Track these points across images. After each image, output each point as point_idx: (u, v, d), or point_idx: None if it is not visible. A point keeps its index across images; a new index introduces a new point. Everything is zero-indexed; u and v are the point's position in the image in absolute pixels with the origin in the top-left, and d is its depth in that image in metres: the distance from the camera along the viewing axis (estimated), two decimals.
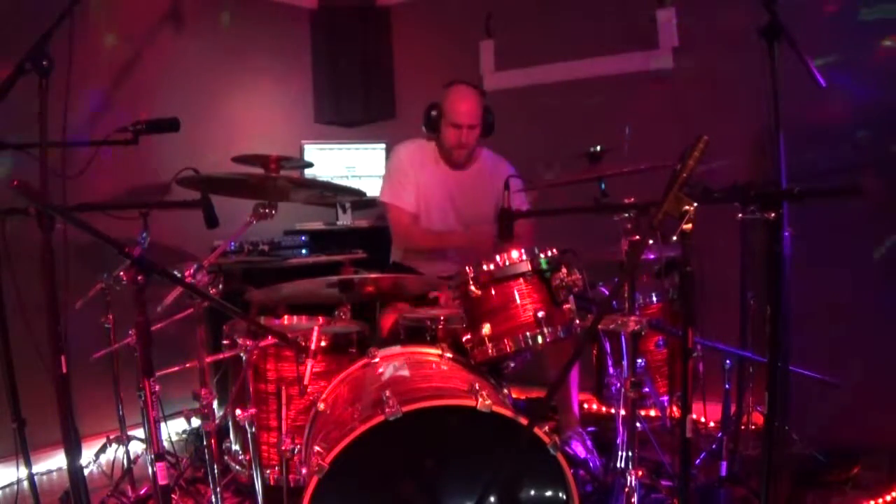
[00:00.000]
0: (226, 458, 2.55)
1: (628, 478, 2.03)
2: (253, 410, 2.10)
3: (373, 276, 2.38)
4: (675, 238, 1.58)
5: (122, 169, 3.29)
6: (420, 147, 3.21)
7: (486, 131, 3.13)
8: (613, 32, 3.71)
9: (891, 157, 2.91)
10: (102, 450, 2.91)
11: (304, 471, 1.85)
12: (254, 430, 2.11)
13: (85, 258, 2.72)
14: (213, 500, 2.05)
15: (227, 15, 3.97)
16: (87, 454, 2.86)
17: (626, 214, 2.15)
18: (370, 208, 4.09)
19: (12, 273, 2.25)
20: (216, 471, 2.05)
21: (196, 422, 2.03)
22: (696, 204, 1.55)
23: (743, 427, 2.78)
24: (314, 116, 4.44)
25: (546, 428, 1.75)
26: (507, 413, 1.74)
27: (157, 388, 1.70)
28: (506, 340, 2.09)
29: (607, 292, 2.76)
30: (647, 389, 2.44)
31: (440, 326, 2.37)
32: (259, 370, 2.37)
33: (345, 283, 2.31)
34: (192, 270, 2.03)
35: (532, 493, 1.77)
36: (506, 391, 2.17)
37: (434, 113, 3.10)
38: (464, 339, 2.18)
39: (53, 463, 3.10)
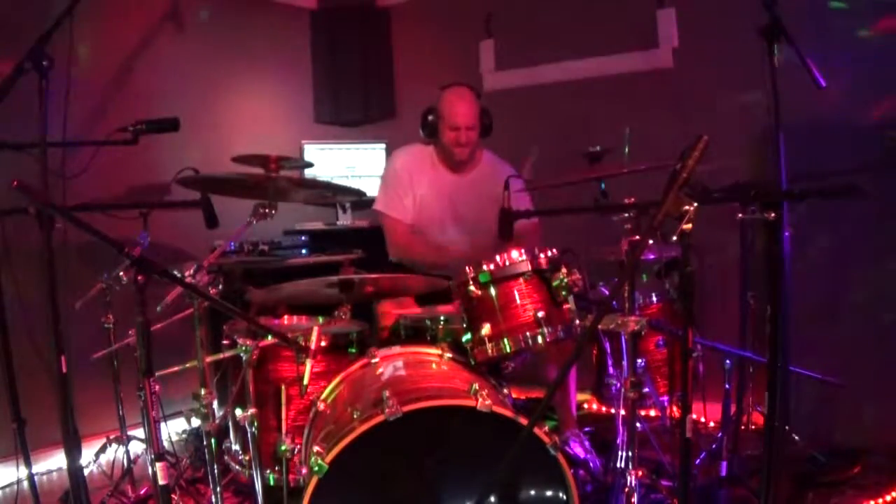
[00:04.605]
0: (226, 458, 2.55)
1: (628, 478, 2.03)
2: (253, 410, 2.10)
3: (373, 276, 2.38)
4: (675, 238, 1.58)
5: (122, 169, 3.29)
6: (417, 153, 3.17)
7: (485, 132, 3.09)
8: (613, 32, 3.71)
9: (891, 157, 2.91)
10: (102, 450, 2.91)
11: (304, 471, 1.85)
12: (254, 430, 2.11)
13: (85, 258, 2.73)
14: (213, 500, 2.05)
15: (227, 15, 3.97)
16: (87, 454, 2.86)
17: (626, 214, 2.15)
18: (370, 208, 4.09)
19: (12, 273, 2.25)
20: (216, 471, 2.05)
21: (196, 422, 2.03)
22: (696, 204, 1.55)
23: (743, 427, 2.78)
24: (314, 116, 4.44)
25: (546, 428, 1.75)
26: (507, 413, 1.74)
27: (157, 388, 1.70)
28: (506, 340, 2.09)
29: (607, 292, 2.75)
30: (647, 389, 2.44)
31: (440, 326, 2.37)
32: (259, 370, 2.37)
33: (345, 283, 2.31)
34: (192, 270, 2.04)
35: (532, 493, 1.77)
36: (506, 391, 2.17)
37: (431, 118, 3.06)
38: (464, 339, 2.18)
39: (53, 463, 3.10)
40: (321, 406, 2.05)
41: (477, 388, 1.77)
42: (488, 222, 2.82)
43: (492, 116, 3.10)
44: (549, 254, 2.16)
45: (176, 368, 2.27)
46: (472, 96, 3.05)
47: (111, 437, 2.84)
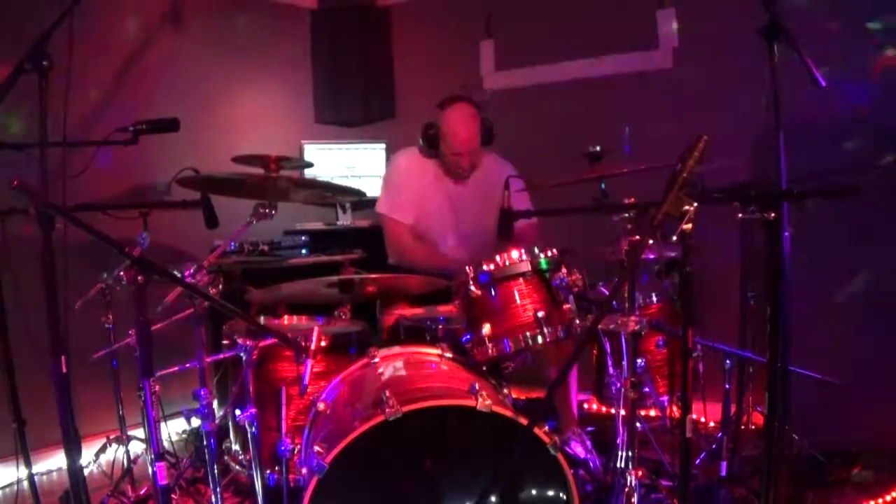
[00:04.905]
0: (226, 458, 2.55)
1: (628, 478, 2.03)
2: (253, 410, 2.10)
3: (373, 276, 2.38)
4: (675, 238, 1.58)
5: (122, 169, 3.29)
6: (420, 156, 3.15)
7: (486, 141, 3.07)
8: (613, 32, 3.71)
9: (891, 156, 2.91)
10: (102, 450, 2.91)
11: (304, 471, 1.85)
12: (254, 430, 2.11)
13: (85, 258, 2.72)
14: (213, 500, 2.05)
15: (227, 15, 3.97)
16: (87, 454, 2.86)
17: (626, 214, 2.15)
18: (370, 208, 4.09)
19: (12, 273, 2.25)
20: (216, 471, 2.05)
21: (196, 422, 2.03)
22: (696, 204, 1.54)
23: (743, 427, 2.78)
24: (314, 116, 4.44)
25: (546, 428, 1.75)
26: (507, 413, 1.74)
27: (157, 388, 1.70)
28: (506, 340, 2.09)
29: (607, 292, 2.75)
30: (647, 389, 2.43)
31: (440, 326, 2.37)
32: (259, 370, 2.37)
33: (345, 283, 2.31)
34: (191, 270, 2.04)
35: (532, 493, 1.77)
36: (506, 391, 2.17)
37: (432, 132, 3.02)
38: (464, 339, 2.18)
39: (53, 463, 3.10)
40: (321, 406, 2.05)
41: (477, 388, 1.77)
42: (489, 226, 2.83)
43: (492, 123, 3.07)
44: (549, 254, 2.16)
45: (176, 368, 2.27)
46: (472, 115, 3.01)
47: (111, 437, 2.84)
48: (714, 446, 2.66)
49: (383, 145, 4.25)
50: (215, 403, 2.09)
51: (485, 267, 2.13)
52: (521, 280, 2.12)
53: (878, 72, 2.99)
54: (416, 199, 3.11)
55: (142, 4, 3.64)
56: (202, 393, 2.02)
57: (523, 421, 1.73)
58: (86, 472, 2.61)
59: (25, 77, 1.79)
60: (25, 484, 2.30)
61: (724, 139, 2.31)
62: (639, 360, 2.06)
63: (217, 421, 2.07)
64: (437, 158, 3.12)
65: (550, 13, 3.88)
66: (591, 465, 2.62)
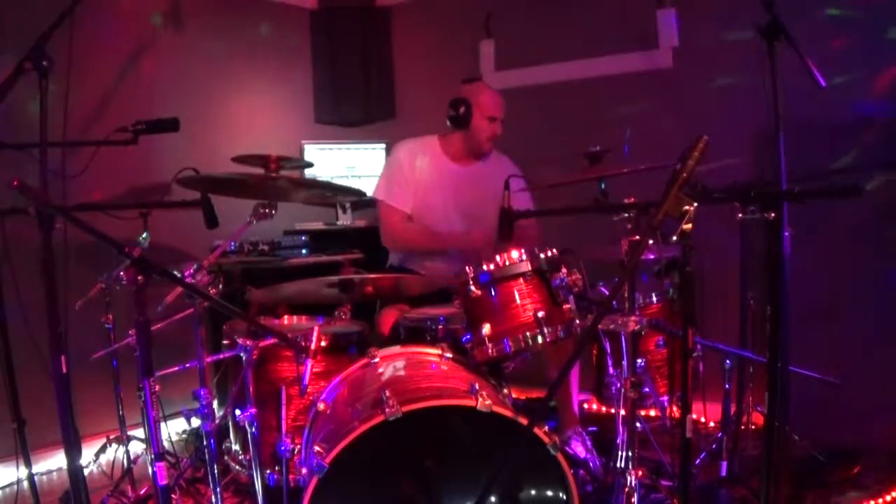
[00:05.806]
0: (226, 458, 2.55)
1: (628, 478, 2.03)
2: (253, 410, 2.10)
3: (373, 276, 2.38)
4: (675, 238, 1.58)
5: (122, 169, 3.29)
6: (420, 143, 3.21)
7: None
8: (613, 32, 3.71)
9: (891, 157, 2.91)
10: (102, 450, 2.92)
11: (304, 471, 1.85)
12: (254, 430, 2.11)
13: (85, 258, 2.73)
14: (213, 500, 2.05)
15: (227, 15, 3.97)
16: (87, 454, 2.86)
17: (626, 214, 2.15)
18: (370, 208, 4.08)
19: (12, 273, 2.25)
20: (216, 471, 2.05)
21: (196, 422, 2.03)
22: (696, 204, 1.54)
23: (743, 427, 2.78)
24: (314, 116, 4.44)
25: (546, 428, 1.75)
26: (507, 413, 1.74)
27: (157, 388, 1.70)
28: (506, 340, 2.09)
29: (607, 292, 2.75)
30: (647, 389, 2.44)
31: (440, 326, 2.37)
32: (259, 370, 2.37)
33: (345, 283, 2.31)
34: (191, 270, 2.04)
35: (532, 493, 1.77)
36: (506, 391, 2.17)
37: (463, 109, 3.09)
38: (464, 339, 2.18)
39: (53, 463, 3.10)
40: (321, 406, 2.05)
41: (477, 388, 1.77)
42: (488, 214, 2.85)
43: None
44: (549, 254, 2.16)
45: (176, 368, 2.27)
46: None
47: (111, 437, 2.85)
48: (714, 446, 2.66)
49: (383, 145, 4.25)
50: (215, 403, 2.08)
51: (485, 267, 2.13)
52: (521, 280, 2.12)
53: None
54: (416, 184, 3.14)
55: (142, 4, 3.64)
56: (202, 393, 2.02)
57: (523, 421, 1.73)
58: (86, 472, 2.62)
59: (25, 77, 1.80)
60: (25, 484, 2.30)
61: (724, 139, 2.32)
62: (639, 360, 2.06)
63: (217, 421, 2.07)
64: (444, 138, 3.17)
65: (550, 13, 3.88)
66: (591, 465, 2.63)
